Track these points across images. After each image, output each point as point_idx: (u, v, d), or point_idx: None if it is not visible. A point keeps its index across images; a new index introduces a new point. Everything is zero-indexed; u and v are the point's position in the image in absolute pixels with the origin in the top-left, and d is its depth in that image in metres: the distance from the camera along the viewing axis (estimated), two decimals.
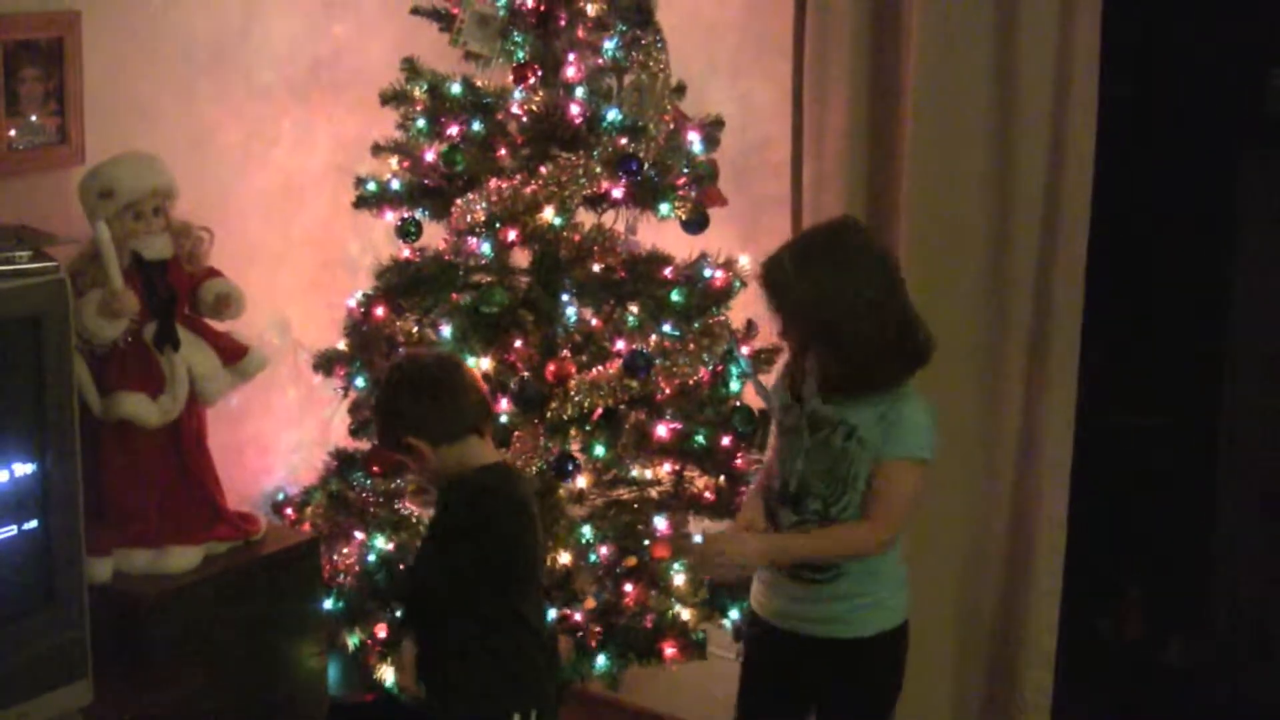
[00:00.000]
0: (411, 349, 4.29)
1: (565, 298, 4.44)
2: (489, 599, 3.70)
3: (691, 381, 4.43)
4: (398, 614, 4.27)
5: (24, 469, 3.51)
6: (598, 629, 4.45)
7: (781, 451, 3.89)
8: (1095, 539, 5.22)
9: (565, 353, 4.41)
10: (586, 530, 4.49)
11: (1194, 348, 5.53)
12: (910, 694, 4.75)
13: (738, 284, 4.52)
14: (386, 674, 4.43)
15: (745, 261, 4.51)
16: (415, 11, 4.51)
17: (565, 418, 4.37)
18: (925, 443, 3.74)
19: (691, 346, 4.42)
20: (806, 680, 3.88)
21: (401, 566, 4.38)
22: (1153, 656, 5.67)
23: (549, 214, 4.36)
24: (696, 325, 4.43)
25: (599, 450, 4.40)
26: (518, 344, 4.40)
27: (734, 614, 4.49)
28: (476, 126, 4.42)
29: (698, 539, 4.16)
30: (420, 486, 4.40)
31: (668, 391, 4.45)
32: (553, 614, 4.29)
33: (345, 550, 4.53)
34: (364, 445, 4.54)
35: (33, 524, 3.54)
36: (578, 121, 4.39)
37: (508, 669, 3.74)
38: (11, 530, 3.51)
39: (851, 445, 3.73)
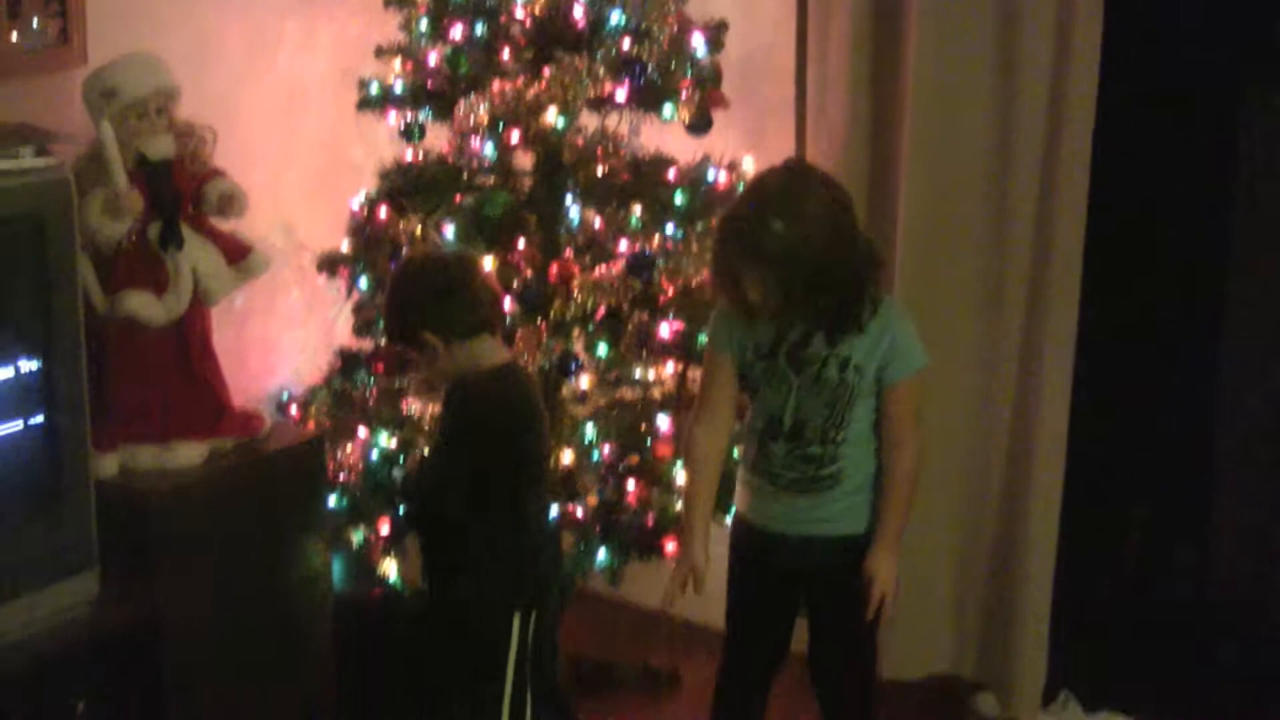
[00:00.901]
0: (426, 246, 4.30)
1: (568, 200, 4.46)
2: (491, 498, 3.72)
3: (694, 282, 4.45)
4: (400, 511, 4.31)
5: (29, 365, 3.54)
6: (599, 526, 4.50)
7: (764, 391, 3.82)
8: (1102, 451, 5.24)
9: (568, 254, 4.43)
10: (589, 429, 4.52)
11: (1196, 276, 5.53)
12: (914, 595, 4.83)
13: (741, 186, 4.53)
14: (390, 569, 4.49)
15: (749, 164, 4.52)
16: None
17: (568, 318, 4.40)
18: (923, 354, 3.76)
19: (694, 248, 4.44)
20: (803, 578, 3.91)
21: (405, 465, 4.41)
22: (1155, 563, 5.70)
23: (552, 116, 4.36)
24: (699, 227, 4.45)
25: (602, 350, 4.44)
26: (521, 245, 4.42)
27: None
28: (480, 29, 4.43)
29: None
30: (428, 383, 4.39)
31: (670, 292, 4.47)
32: (555, 511, 4.32)
33: (349, 448, 4.56)
34: (367, 345, 4.57)
35: (39, 419, 3.57)
36: (581, 24, 4.40)
37: (510, 568, 3.77)
38: (18, 425, 3.54)
39: (849, 375, 3.72)
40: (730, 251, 3.65)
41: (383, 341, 4.44)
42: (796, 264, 3.58)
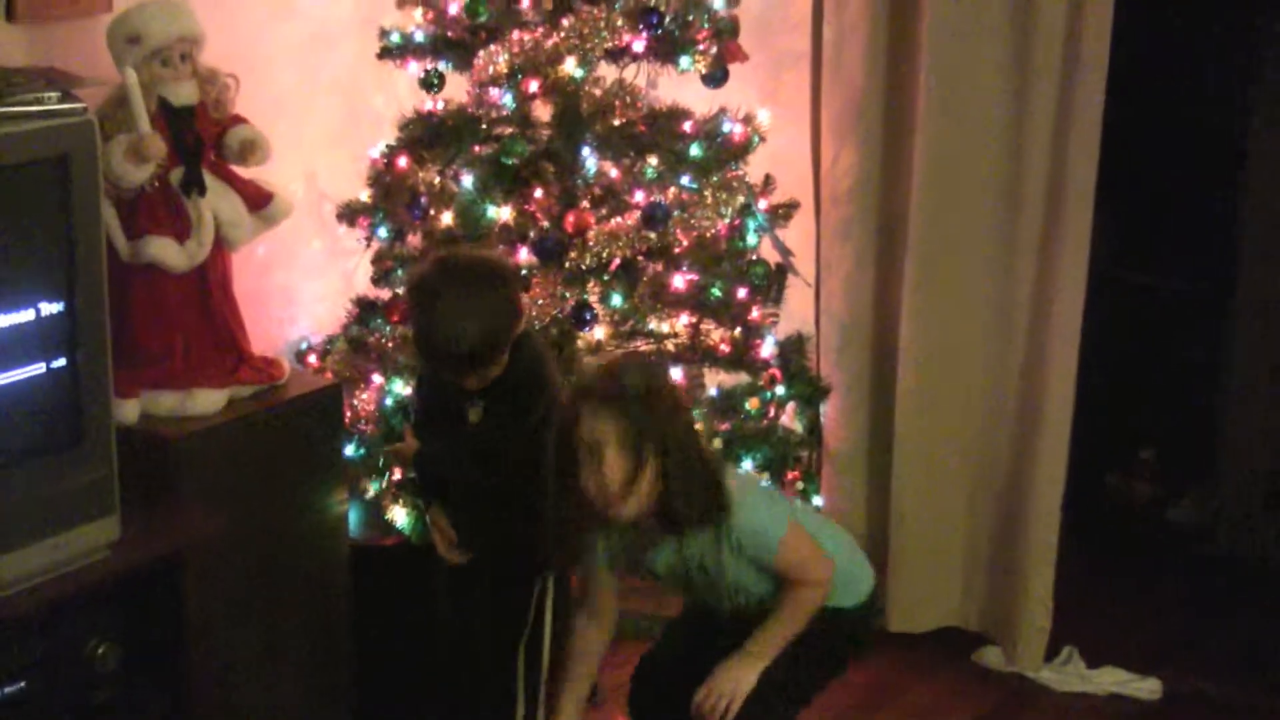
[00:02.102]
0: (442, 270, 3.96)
1: (585, 150, 4.47)
2: None
3: (709, 234, 4.47)
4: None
5: (52, 308, 3.52)
6: None
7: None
8: (1109, 399, 5.26)
9: (585, 204, 4.45)
10: None
11: (1210, 211, 5.54)
12: (920, 548, 4.86)
13: (756, 139, 4.55)
14: (398, 516, 4.54)
15: (764, 117, 4.54)
16: None
17: (584, 268, 4.42)
18: (776, 523, 3.61)
19: (710, 199, 4.46)
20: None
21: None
22: (1162, 515, 5.73)
23: (570, 66, 4.38)
24: (715, 179, 4.47)
25: (616, 300, 4.46)
26: (538, 194, 4.44)
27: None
28: None
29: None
30: None
31: (685, 244, 4.49)
32: None
33: (364, 395, 4.58)
34: (385, 294, 4.58)
35: (61, 362, 3.55)
36: None
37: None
38: (40, 368, 3.52)
39: (713, 570, 3.61)
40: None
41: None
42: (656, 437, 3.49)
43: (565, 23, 4.39)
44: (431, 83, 4.49)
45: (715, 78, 4.48)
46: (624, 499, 3.47)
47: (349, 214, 4.59)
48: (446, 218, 4.41)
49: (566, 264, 4.42)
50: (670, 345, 4.63)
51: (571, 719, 3.77)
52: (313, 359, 4.67)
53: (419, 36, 4.51)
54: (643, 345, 4.57)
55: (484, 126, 4.48)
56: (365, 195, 4.58)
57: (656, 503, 3.50)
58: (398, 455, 3.97)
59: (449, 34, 4.50)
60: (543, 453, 3.59)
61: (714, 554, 3.58)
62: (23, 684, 3.54)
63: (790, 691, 3.74)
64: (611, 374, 3.60)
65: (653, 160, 4.47)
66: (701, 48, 4.46)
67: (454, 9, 4.46)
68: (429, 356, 3.77)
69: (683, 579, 3.66)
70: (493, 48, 4.43)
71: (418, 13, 4.53)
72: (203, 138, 4.03)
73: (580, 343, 4.50)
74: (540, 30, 4.41)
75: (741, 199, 4.53)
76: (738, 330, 4.57)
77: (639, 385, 3.51)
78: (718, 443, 4.55)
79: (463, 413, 3.76)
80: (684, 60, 4.46)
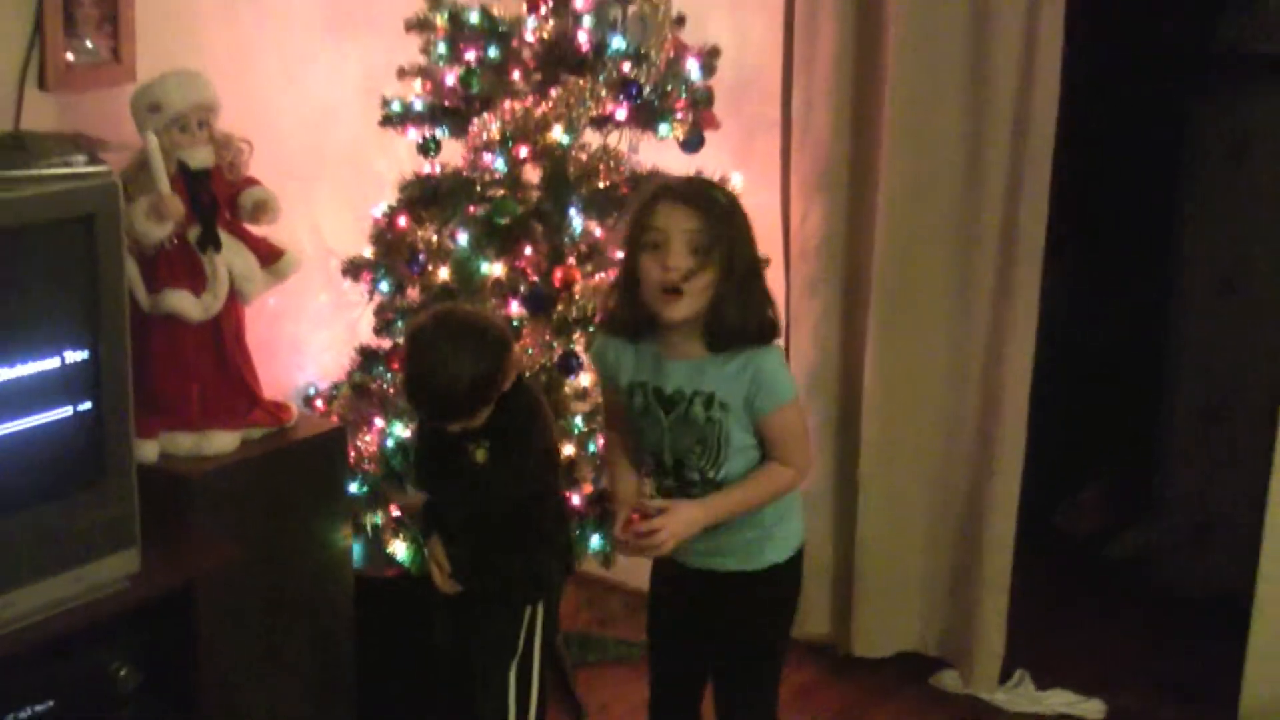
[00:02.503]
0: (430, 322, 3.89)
1: (572, 210, 4.46)
2: (557, 472, 3.84)
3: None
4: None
5: (78, 355, 3.51)
6: (593, 515, 4.50)
7: (640, 429, 3.57)
8: (1056, 442, 5.26)
9: (571, 260, 4.43)
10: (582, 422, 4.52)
11: (1148, 270, 5.56)
12: (883, 579, 4.85)
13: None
14: (399, 549, 4.51)
15: (738, 180, 4.53)
16: None
17: (570, 319, 4.41)
18: (790, 386, 3.47)
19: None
20: (711, 609, 3.64)
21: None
22: (1104, 548, 5.73)
23: (558, 133, 4.38)
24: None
25: None
26: (528, 251, 4.42)
27: None
28: (492, 52, 4.44)
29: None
30: None
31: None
32: None
33: (367, 437, 4.56)
34: (386, 343, 4.56)
35: (86, 405, 3.55)
36: (585, 48, 4.40)
37: (565, 535, 3.91)
38: (67, 411, 3.52)
39: (714, 412, 3.43)
40: (708, 208, 3.38)
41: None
42: (740, 245, 3.40)
43: (553, 93, 4.39)
44: (429, 148, 4.49)
45: (692, 143, 4.48)
46: (679, 295, 3.35)
47: (353, 269, 4.57)
48: (443, 273, 4.40)
49: (554, 315, 4.41)
50: None
51: (631, 483, 3.65)
52: (319, 403, 4.66)
53: (418, 105, 4.50)
54: None
55: (478, 188, 4.46)
56: (368, 252, 4.56)
57: (708, 310, 3.37)
58: (407, 509, 3.94)
59: (445, 103, 4.50)
60: (544, 487, 3.68)
61: (727, 387, 3.41)
62: (51, 703, 3.53)
63: (777, 662, 3.72)
64: (699, 181, 3.57)
65: None
66: (679, 116, 4.46)
67: (450, 80, 4.46)
68: (418, 400, 3.72)
69: (683, 408, 3.45)
70: (486, 116, 4.43)
71: (417, 83, 4.53)
72: (218, 198, 4.03)
73: (567, 388, 4.49)
74: (530, 100, 4.42)
75: None
76: None
77: (722, 198, 3.42)
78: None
79: (466, 454, 3.73)
80: (663, 127, 4.46)
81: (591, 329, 4.40)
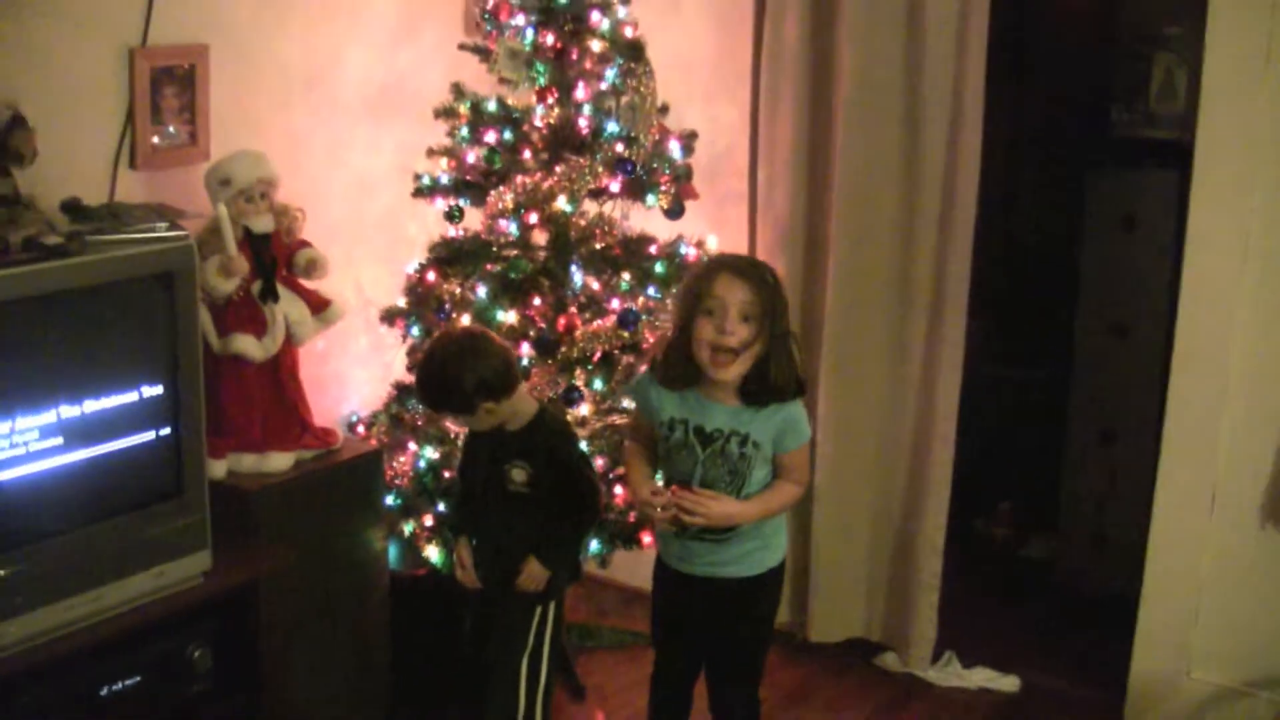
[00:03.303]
0: (447, 327, 4.16)
1: (574, 268, 4.47)
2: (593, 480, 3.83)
3: (670, 333, 4.45)
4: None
5: (159, 389, 3.54)
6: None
7: (673, 457, 3.56)
8: (977, 463, 5.27)
9: (573, 310, 4.44)
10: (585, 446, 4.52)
11: (1053, 318, 5.58)
12: (834, 576, 4.85)
13: (705, 259, 4.54)
14: (431, 553, 4.50)
15: (713, 242, 4.54)
16: (462, 47, 4.54)
17: (572, 359, 4.41)
18: (808, 429, 3.53)
19: (670, 307, 4.43)
20: (710, 613, 3.63)
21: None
22: (1016, 551, 5.74)
23: (562, 203, 4.39)
24: (674, 290, 4.45)
25: (598, 384, 4.45)
26: (536, 302, 4.43)
27: None
28: (508, 135, 4.44)
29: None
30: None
31: (651, 340, 4.48)
32: None
33: (402, 459, 4.56)
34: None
35: (166, 431, 3.57)
36: (585, 132, 4.41)
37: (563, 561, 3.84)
38: (150, 435, 3.54)
39: (749, 450, 3.45)
40: (758, 283, 3.39)
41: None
42: (778, 316, 3.41)
43: (558, 169, 4.40)
44: (454, 215, 4.49)
45: (674, 212, 4.48)
46: (733, 357, 3.38)
47: (389, 316, 4.56)
48: (465, 320, 4.40)
49: (559, 356, 4.41)
50: None
51: (650, 480, 3.63)
52: (361, 429, 4.64)
53: (444, 180, 4.50)
54: (618, 421, 4.53)
55: (495, 249, 4.47)
56: (402, 302, 4.56)
57: (754, 370, 3.40)
58: (460, 561, 3.89)
59: (467, 178, 4.49)
60: (579, 493, 3.72)
61: (761, 429, 3.44)
62: (139, 678, 3.55)
63: (768, 646, 3.75)
64: (750, 259, 3.59)
65: (626, 276, 4.46)
66: (664, 188, 4.45)
67: (471, 158, 4.47)
68: (433, 397, 3.74)
69: (719, 444, 3.47)
70: (501, 188, 4.44)
71: (443, 161, 4.52)
72: (277, 257, 4.04)
73: (570, 417, 4.49)
74: (538, 175, 4.42)
75: None
76: None
77: (770, 277, 3.43)
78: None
79: (505, 476, 3.75)
80: (650, 198, 4.46)
81: (591, 367, 4.42)
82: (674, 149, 4.51)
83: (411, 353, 4.57)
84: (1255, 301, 4.17)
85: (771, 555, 3.63)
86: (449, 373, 3.65)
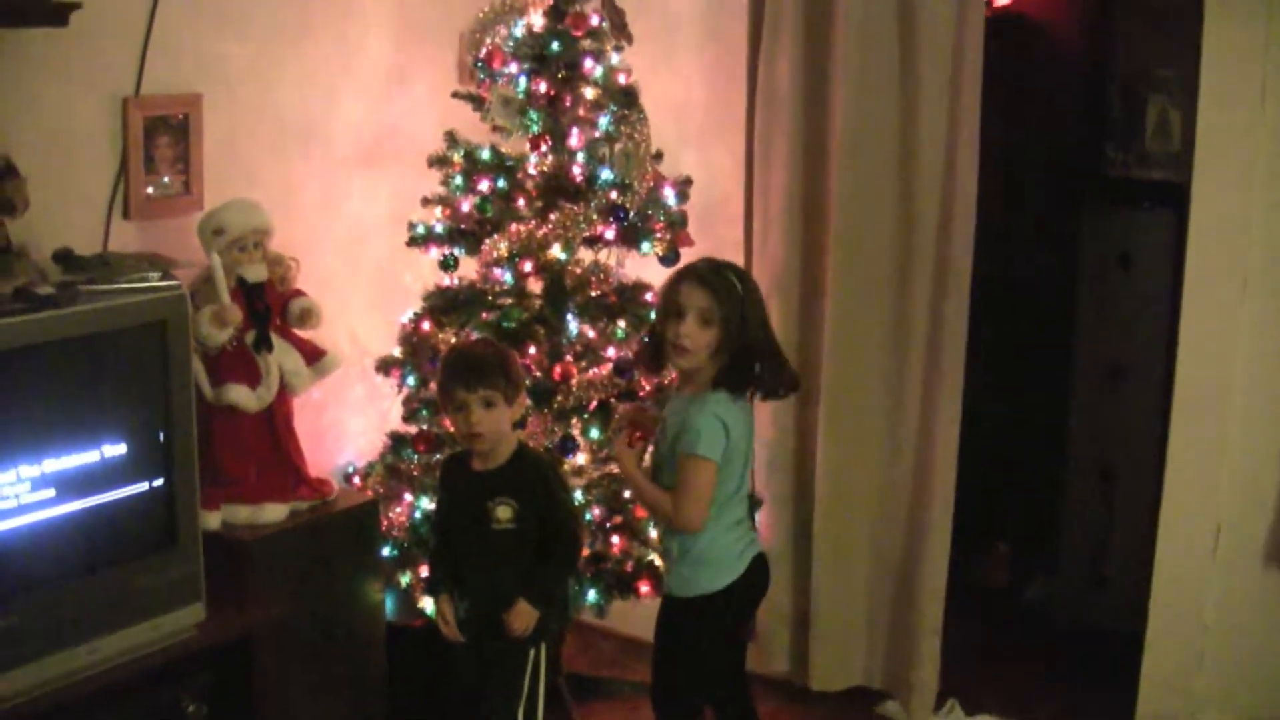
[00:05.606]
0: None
1: (569, 316, 4.46)
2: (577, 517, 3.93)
3: (665, 381, 4.44)
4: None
5: (152, 439, 3.53)
6: (590, 571, 4.46)
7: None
8: (973, 504, 5.24)
9: (569, 358, 4.42)
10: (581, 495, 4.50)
11: (1050, 358, 5.56)
12: (834, 623, 4.81)
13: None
14: (427, 604, 4.45)
15: None
16: (455, 95, 4.56)
17: (568, 408, 4.39)
18: (704, 445, 3.63)
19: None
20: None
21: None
22: (1015, 595, 5.70)
23: (557, 251, 4.38)
24: None
25: (594, 433, 4.42)
26: (532, 350, 4.41)
27: None
28: (501, 183, 4.43)
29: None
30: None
31: (647, 388, 4.47)
32: None
33: (398, 509, 4.53)
34: (412, 429, 4.53)
35: (159, 482, 3.56)
36: (579, 179, 4.41)
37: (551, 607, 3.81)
38: (144, 486, 3.53)
39: (670, 437, 3.73)
40: (715, 287, 3.66)
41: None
42: (742, 319, 3.66)
43: (552, 217, 4.39)
44: (448, 264, 4.48)
45: (669, 259, 4.46)
46: (692, 353, 3.66)
47: (384, 366, 4.55)
48: None
49: (555, 404, 4.39)
50: None
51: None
52: (356, 480, 4.62)
53: (438, 228, 4.49)
54: (615, 469, 4.49)
55: (489, 298, 4.46)
56: (397, 351, 4.54)
57: (729, 363, 3.67)
58: (443, 617, 3.87)
59: (462, 226, 4.48)
60: (560, 522, 3.75)
61: (675, 421, 3.71)
62: None
63: (687, 672, 3.84)
64: (716, 266, 3.74)
65: (621, 323, 4.45)
66: (658, 235, 4.45)
67: (466, 207, 4.46)
68: (473, 361, 3.75)
69: (663, 428, 3.77)
70: (496, 237, 4.43)
71: (438, 210, 4.52)
72: (271, 307, 4.04)
73: (566, 466, 4.47)
74: (533, 223, 4.41)
75: None
76: None
77: (737, 279, 3.70)
78: None
79: (489, 515, 3.72)
80: (645, 245, 4.45)
81: (586, 416, 4.40)
82: (669, 195, 4.51)
83: (407, 402, 4.55)
84: (1254, 340, 4.16)
85: (695, 584, 3.74)
86: (495, 348, 3.82)
